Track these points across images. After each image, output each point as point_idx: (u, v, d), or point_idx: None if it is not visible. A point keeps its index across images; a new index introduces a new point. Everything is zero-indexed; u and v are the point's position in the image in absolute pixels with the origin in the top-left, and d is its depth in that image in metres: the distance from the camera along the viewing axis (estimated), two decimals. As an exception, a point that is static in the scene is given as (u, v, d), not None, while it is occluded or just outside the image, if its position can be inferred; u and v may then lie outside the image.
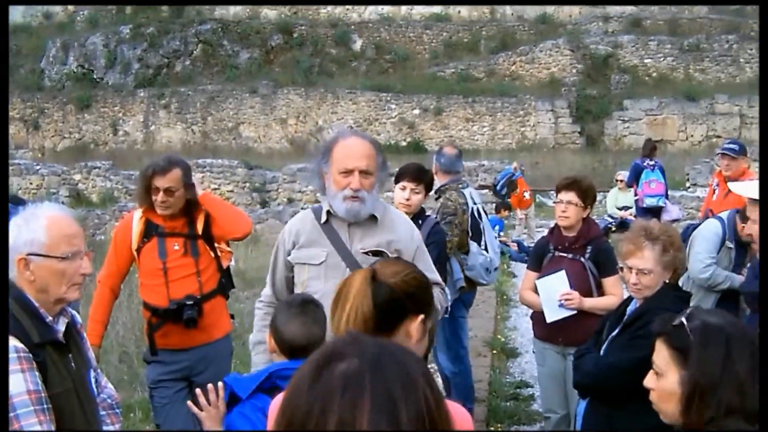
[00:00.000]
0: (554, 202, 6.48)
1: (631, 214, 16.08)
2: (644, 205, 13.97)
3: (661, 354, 2.66)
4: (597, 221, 18.64)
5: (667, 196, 14.46)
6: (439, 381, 7.73)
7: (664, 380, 2.65)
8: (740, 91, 32.20)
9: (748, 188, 3.88)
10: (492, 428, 7.50)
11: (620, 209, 16.86)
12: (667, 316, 2.75)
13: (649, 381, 2.73)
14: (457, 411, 2.70)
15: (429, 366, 6.74)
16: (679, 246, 4.45)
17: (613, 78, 33.89)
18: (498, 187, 18.89)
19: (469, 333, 8.17)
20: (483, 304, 11.36)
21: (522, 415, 7.76)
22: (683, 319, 2.63)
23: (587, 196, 6.03)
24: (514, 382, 8.79)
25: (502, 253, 15.68)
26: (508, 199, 18.17)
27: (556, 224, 6.14)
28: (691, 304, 7.24)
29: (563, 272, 5.90)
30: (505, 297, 12.69)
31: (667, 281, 4.43)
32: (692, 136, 31.22)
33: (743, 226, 5.55)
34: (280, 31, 39.24)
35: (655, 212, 13.68)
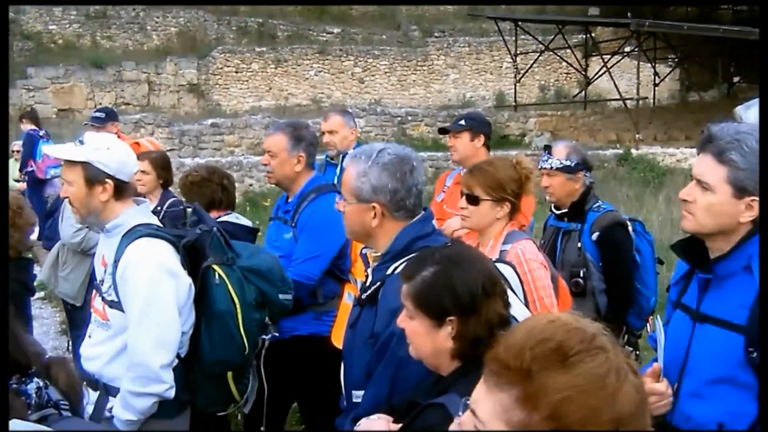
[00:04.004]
0: None
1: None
2: (47, 176, 13.67)
3: None
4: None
5: None
6: None
7: None
8: (147, 58, 32.81)
9: (55, 149, 3.86)
10: None
11: (18, 181, 16.29)
12: None
13: None
14: None
15: None
16: (15, 222, 4.37)
17: (16, 45, 32.43)
18: None
19: None
20: None
21: None
22: None
23: None
24: None
25: None
26: None
27: None
28: (70, 269, 7.33)
29: None
30: None
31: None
32: (101, 103, 31.03)
33: None
34: None
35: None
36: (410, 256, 3.05)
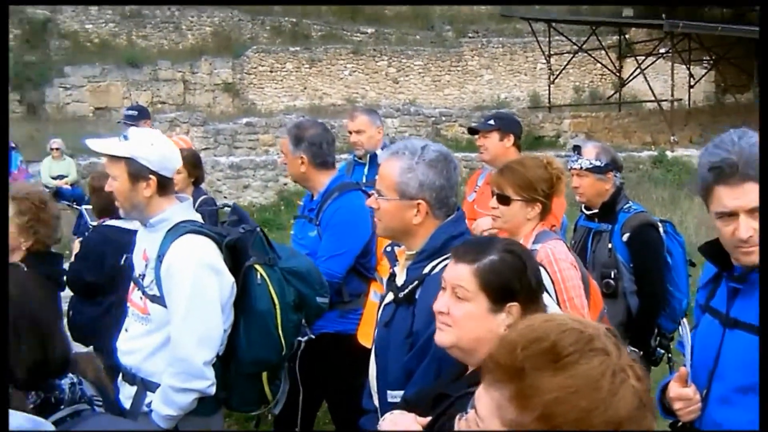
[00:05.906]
0: None
1: (66, 183, 15.82)
2: None
3: None
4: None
5: None
6: None
7: None
8: (182, 58, 32.97)
9: (99, 144, 3.89)
10: None
11: (55, 178, 16.44)
12: None
13: None
14: None
15: None
16: (40, 217, 4.32)
17: (53, 44, 32.72)
18: None
19: None
20: None
21: None
22: None
23: None
24: None
25: None
26: None
27: None
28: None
29: None
30: None
31: (30, 247, 4.26)
32: (137, 102, 31.31)
33: None
34: None
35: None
36: (446, 255, 2.97)
